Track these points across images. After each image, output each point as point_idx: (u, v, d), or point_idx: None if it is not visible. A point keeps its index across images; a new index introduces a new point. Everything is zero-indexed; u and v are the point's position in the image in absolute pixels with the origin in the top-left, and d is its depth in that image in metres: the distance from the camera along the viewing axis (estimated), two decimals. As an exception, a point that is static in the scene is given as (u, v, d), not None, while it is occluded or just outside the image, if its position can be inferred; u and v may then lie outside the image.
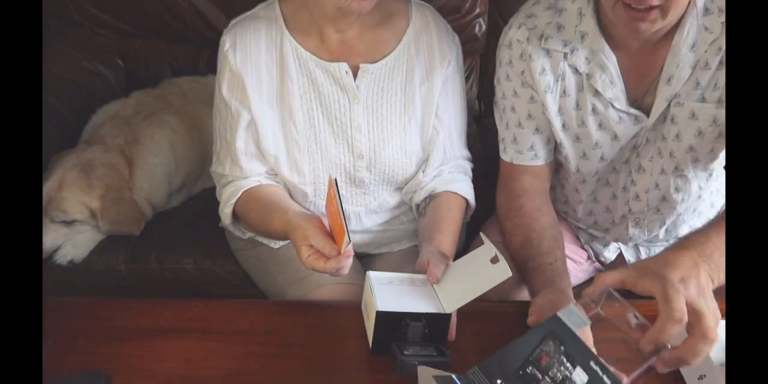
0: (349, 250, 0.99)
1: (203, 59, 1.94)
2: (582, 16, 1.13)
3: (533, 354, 0.85)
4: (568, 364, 0.83)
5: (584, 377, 0.82)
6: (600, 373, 0.81)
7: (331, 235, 1.02)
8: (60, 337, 1.01)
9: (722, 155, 1.20)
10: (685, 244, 0.88)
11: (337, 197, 0.96)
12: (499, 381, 0.85)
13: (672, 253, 0.86)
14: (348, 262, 1.00)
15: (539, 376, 0.84)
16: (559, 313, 0.86)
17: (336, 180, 0.99)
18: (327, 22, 1.22)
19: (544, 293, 1.08)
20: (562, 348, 0.84)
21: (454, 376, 0.87)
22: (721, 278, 0.85)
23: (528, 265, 1.16)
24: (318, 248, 1.01)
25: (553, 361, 0.84)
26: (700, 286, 0.82)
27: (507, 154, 1.28)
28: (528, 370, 0.84)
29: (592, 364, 0.82)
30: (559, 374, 0.83)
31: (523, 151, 1.26)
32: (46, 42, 1.86)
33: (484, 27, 1.89)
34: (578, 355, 0.83)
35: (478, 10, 1.86)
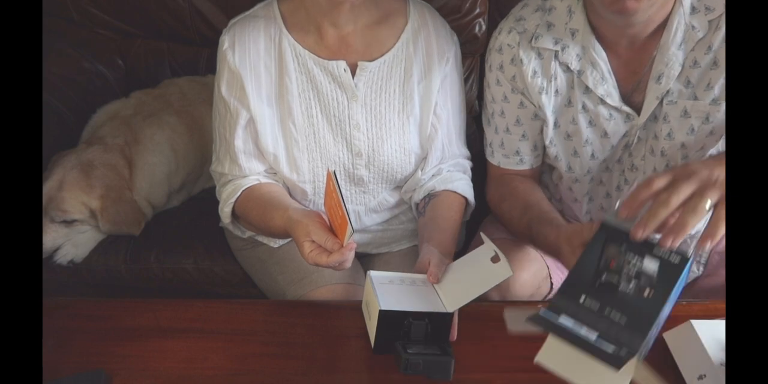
0: (351, 242, 0.98)
1: (203, 59, 1.93)
2: (572, 14, 1.14)
3: (600, 263, 0.86)
4: (636, 257, 0.85)
5: (655, 264, 0.84)
6: (666, 255, 0.84)
7: (332, 230, 1.02)
8: (60, 337, 1.01)
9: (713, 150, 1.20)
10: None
11: (337, 189, 0.96)
12: (583, 297, 0.85)
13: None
14: (351, 255, 1.00)
15: (617, 278, 0.85)
16: (604, 221, 0.89)
17: (335, 172, 0.99)
18: (323, 17, 1.22)
19: (566, 231, 1.03)
20: (623, 246, 0.86)
21: (540, 312, 0.85)
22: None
23: (532, 227, 1.15)
24: (320, 243, 1.01)
25: (621, 260, 0.85)
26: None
27: (494, 158, 1.31)
28: (603, 279, 0.86)
29: (656, 250, 0.84)
30: (632, 269, 0.85)
31: (509, 155, 1.28)
32: (46, 42, 1.85)
33: (484, 27, 1.89)
34: (639, 246, 0.85)
35: (478, 10, 1.86)
